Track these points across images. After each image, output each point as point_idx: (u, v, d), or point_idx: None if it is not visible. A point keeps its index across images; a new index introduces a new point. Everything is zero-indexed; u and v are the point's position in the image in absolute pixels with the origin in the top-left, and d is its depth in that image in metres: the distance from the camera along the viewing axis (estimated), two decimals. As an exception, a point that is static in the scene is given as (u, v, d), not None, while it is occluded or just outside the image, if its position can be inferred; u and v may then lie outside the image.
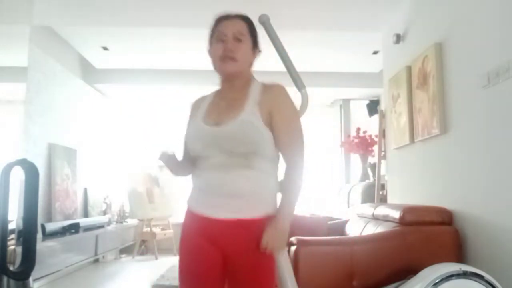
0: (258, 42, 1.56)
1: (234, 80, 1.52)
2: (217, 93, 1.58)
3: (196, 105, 1.60)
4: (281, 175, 1.49)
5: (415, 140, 3.06)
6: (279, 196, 1.48)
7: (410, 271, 2.15)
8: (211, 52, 1.52)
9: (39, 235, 3.62)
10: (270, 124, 1.44)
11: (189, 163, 1.55)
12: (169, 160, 1.57)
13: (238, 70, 1.49)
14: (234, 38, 1.48)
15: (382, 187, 4.08)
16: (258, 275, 1.42)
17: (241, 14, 1.55)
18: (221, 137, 1.42)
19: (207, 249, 1.42)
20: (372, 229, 2.68)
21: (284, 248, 1.45)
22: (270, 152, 1.45)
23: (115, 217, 5.75)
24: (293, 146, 1.47)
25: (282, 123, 1.45)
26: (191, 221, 1.48)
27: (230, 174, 1.41)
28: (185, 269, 1.47)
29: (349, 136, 5.88)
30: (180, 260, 1.48)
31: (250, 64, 1.55)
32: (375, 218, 2.85)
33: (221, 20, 1.53)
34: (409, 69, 3.14)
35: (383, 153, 4.04)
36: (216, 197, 1.42)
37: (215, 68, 1.52)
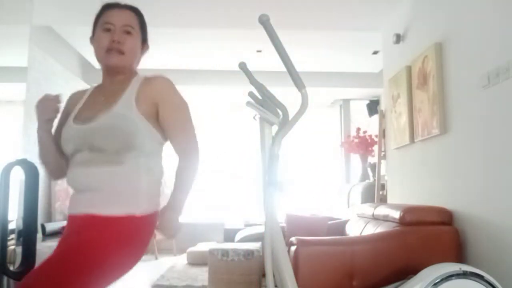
0: (147, 38, 1.48)
1: (116, 74, 1.42)
2: (97, 87, 1.49)
3: (74, 98, 1.50)
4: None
5: (415, 140, 3.06)
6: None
7: (410, 271, 2.14)
8: (95, 41, 1.42)
9: (39, 235, 3.62)
10: (155, 116, 1.37)
11: (63, 158, 1.45)
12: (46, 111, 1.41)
13: (123, 64, 1.40)
14: (122, 30, 1.39)
15: (382, 187, 4.08)
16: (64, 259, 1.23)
17: (132, 6, 1.46)
18: (91, 133, 1.32)
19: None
20: (372, 229, 2.68)
21: (173, 232, 1.33)
22: (149, 147, 1.36)
23: (115, 217, 5.74)
24: (182, 137, 1.40)
25: (169, 114, 1.38)
26: (67, 223, 1.42)
27: (94, 169, 1.31)
28: None
29: (349, 136, 5.88)
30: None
31: (138, 60, 1.48)
32: (375, 218, 2.85)
33: (109, 8, 1.42)
34: (409, 69, 3.14)
35: (383, 153, 4.04)
36: (77, 193, 1.35)
37: (98, 59, 1.42)
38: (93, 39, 1.45)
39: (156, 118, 1.37)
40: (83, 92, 1.51)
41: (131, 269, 1.33)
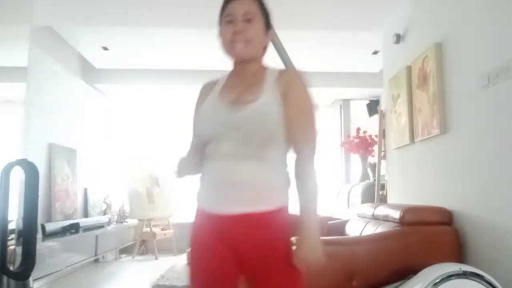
0: (270, 22, 1.44)
1: (247, 64, 1.40)
2: (230, 76, 1.45)
3: (207, 88, 1.45)
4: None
5: (415, 140, 3.06)
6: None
7: (410, 271, 2.14)
8: (220, 35, 1.40)
9: (39, 235, 3.62)
10: (282, 106, 1.32)
11: (198, 155, 1.40)
12: (185, 164, 1.45)
13: (249, 53, 1.37)
14: (243, 19, 1.36)
15: (382, 187, 4.08)
16: (280, 270, 1.31)
17: None
18: (240, 119, 1.28)
19: (217, 249, 1.31)
20: (372, 229, 2.68)
21: (322, 258, 1.31)
22: (283, 140, 1.35)
23: (115, 217, 5.75)
24: (306, 132, 1.38)
25: (295, 106, 1.33)
26: (200, 219, 1.36)
27: (242, 165, 1.29)
28: (195, 272, 1.37)
29: (349, 136, 5.88)
30: (191, 263, 1.38)
31: (264, 47, 1.44)
32: (375, 218, 2.84)
33: (229, 0, 1.40)
34: (409, 69, 3.14)
35: (383, 153, 4.04)
36: (226, 191, 1.30)
37: (225, 52, 1.39)
38: (219, 34, 1.43)
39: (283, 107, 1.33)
40: (214, 82, 1.46)
41: None
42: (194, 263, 1.38)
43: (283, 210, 1.33)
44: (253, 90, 1.33)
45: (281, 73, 1.38)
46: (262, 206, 1.29)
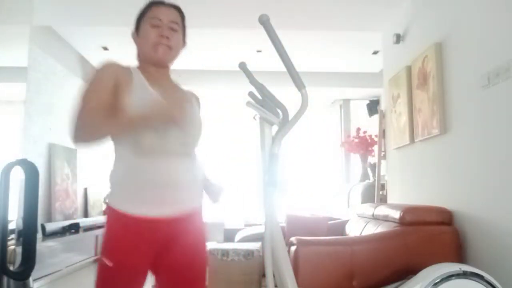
0: (186, 37, 1.56)
1: (162, 69, 1.48)
2: (145, 76, 1.41)
3: (124, 72, 1.38)
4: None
5: (415, 140, 3.06)
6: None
7: (410, 271, 2.15)
8: (142, 36, 1.43)
9: (39, 235, 3.62)
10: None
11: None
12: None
13: (171, 58, 1.47)
14: (169, 26, 1.43)
15: (382, 187, 4.08)
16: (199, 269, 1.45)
17: (175, 4, 1.52)
18: (190, 127, 1.42)
19: (145, 267, 1.32)
20: (372, 229, 2.68)
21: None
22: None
23: (115, 217, 5.74)
24: None
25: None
26: (130, 228, 1.28)
27: (187, 162, 1.40)
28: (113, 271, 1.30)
29: (349, 136, 5.88)
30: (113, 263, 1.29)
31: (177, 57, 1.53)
32: (375, 218, 2.84)
33: (156, 4, 1.47)
34: (409, 69, 3.14)
35: (383, 153, 4.04)
36: (171, 188, 1.31)
37: (144, 52, 1.44)
38: (136, 34, 1.48)
39: None
40: (127, 69, 1.40)
41: None
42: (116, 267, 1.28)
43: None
44: (181, 97, 1.48)
45: (192, 93, 1.59)
46: (196, 203, 1.47)
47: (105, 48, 4.93)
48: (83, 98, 1.32)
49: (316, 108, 6.40)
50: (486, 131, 2.26)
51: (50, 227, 3.88)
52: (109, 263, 1.27)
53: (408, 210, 2.46)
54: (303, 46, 4.67)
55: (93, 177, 5.27)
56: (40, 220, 3.72)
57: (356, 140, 5.35)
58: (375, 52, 4.92)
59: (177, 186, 1.32)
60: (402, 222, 2.43)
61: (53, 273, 3.67)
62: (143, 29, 1.44)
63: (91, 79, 1.37)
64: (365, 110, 5.84)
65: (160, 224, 1.30)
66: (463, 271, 1.95)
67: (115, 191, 1.33)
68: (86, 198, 5.04)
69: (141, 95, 1.35)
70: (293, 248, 2.28)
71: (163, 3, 1.47)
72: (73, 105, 1.33)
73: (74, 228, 4.23)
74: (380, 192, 4.05)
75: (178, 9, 1.51)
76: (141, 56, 1.48)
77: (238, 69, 1.78)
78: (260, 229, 4.23)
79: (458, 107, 2.54)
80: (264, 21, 1.80)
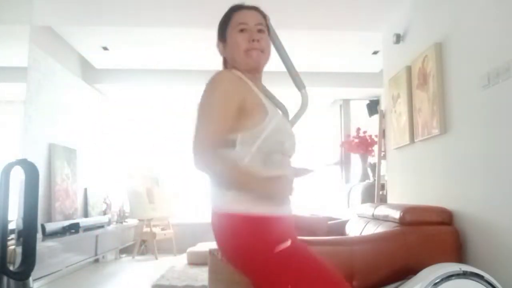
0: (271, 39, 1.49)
1: (257, 74, 1.42)
2: (252, 83, 1.39)
3: (244, 86, 1.35)
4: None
5: (415, 140, 3.06)
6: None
7: (410, 271, 2.14)
8: (231, 43, 1.38)
9: (39, 235, 3.62)
10: None
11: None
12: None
13: (264, 62, 1.40)
14: (256, 29, 1.37)
15: (382, 187, 4.08)
16: None
17: (256, 6, 1.45)
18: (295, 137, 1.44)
19: None
20: (372, 229, 2.68)
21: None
22: None
23: (115, 217, 5.75)
24: None
25: None
26: (287, 226, 1.44)
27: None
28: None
29: (349, 136, 5.88)
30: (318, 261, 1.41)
31: None
32: (375, 218, 2.84)
33: (240, 9, 1.40)
34: (409, 69, 3.14)
35: (383, 153, 4.04)
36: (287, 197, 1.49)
37: (236, 60, 1.37)
38: (223, 42, 1.42)
39: None
40: (243, 81, 1.37)
41: None
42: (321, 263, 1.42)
43: None
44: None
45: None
46: None
47: (105, 48, 4.94)
48: (209, 117, 1.25)
49: (316, 108, 6.40)
50: (486, 131, 2.26)
51: (50, 227, 3.88)
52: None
53: (408, 210, 2.46)
54: (303, 46, 4.67)
55: (93, 177, 5.28)
56: (40, 220, 3.72)
57: (356, 140, 5.35)
58: (375, 52, 4.92)
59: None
60: (402, 222, 2.42)
61: (53, 273, 3.67)
62: (231, 36, 1.38)
63: (216, 95, 1.27)
64: (365, 110, 5.84)
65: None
66: (463, 271, 1.95)
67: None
68: (86, 198, 5.04)
69: (276, 124, 1.33)
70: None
71: (245, 7, 1.41)
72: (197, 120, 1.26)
73: (74, 228, 4.23)
74: (380, 192, 4.05)
75: (258, 10, 1.44)
76: (232, 65, 1.41)
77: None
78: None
79: (458, 107, 2.54)
80: (264, 21, 1.79)
